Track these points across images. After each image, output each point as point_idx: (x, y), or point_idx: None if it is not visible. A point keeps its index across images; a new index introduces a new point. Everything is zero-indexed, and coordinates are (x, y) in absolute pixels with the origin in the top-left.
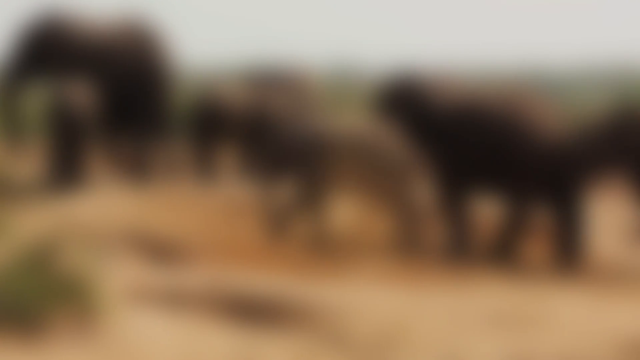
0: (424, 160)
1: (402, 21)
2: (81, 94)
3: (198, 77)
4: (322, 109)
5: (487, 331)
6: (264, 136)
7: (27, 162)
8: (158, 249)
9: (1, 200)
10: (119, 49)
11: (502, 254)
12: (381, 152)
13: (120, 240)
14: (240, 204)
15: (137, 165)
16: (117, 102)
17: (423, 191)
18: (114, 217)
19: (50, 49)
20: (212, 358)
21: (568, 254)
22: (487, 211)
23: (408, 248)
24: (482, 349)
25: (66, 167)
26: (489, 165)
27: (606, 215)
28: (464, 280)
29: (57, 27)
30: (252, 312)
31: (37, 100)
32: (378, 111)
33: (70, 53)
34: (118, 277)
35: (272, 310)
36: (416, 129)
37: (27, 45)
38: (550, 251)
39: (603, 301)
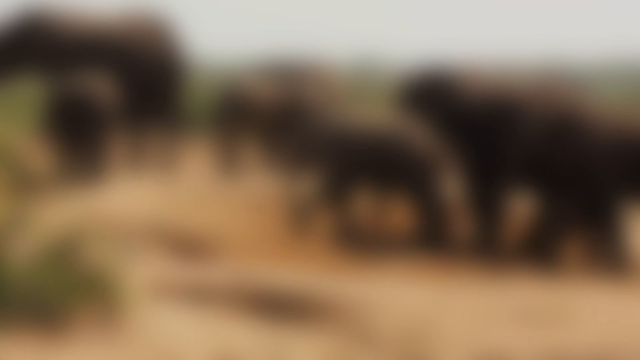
0: (453, 154)
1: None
2: (98, 86)
3: (221, 70)
4: (346, 102)
5: (518, 328)
6: (288, 129)
7: (43, 154)
8: (182, 244)
9: (22, 193)
10: (132, 41)
11: (538, 251)
12: (406, 145)
13: (144, 234)
14: (265, 198)
15: (160, 159)
16: (135, 94)
17: (450, 186)
18: (137, 211)
19: (38, 42)
20: (238, 354)
21: (604, 252)
22: (517, 204)
23: (434, 243)
24: (513, 346)
25: (88, 160)
26: (525, 160)
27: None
28: (494, 276)
29: (46, 21)
30: (277, 307)
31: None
32: (405, 104)
33: (65, 46)
34: (142, 272)
35: (298, 306)
36: (448, 123)
37: (11, 37)
38: (585, 248)
39: (637, 298)
